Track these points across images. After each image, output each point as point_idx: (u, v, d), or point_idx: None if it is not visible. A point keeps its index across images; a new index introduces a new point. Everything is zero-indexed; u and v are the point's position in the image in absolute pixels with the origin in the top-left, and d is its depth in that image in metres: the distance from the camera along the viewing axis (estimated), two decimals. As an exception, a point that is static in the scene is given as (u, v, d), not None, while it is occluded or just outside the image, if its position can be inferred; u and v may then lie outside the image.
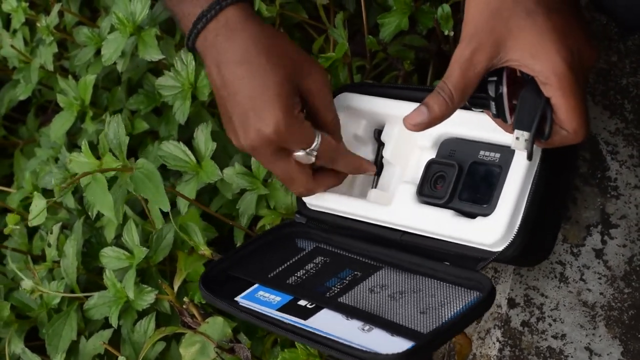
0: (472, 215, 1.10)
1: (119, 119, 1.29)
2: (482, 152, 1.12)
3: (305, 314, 1.08)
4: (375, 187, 1.21)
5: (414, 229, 1.14)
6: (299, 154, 1.15)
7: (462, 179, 1.12)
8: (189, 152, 1.30)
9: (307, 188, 1.18)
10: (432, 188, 1.14)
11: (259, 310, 1.11)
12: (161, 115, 1.45)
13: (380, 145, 1.21)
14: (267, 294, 1.13)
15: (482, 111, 1.08)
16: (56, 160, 1.48)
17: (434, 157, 1.15)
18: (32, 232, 1.48)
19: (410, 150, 1.19)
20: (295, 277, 1.16)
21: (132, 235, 1.31)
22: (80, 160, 1.29)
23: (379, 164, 1.22)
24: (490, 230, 1.07)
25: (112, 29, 1.41)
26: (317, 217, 1.23)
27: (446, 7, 1.31)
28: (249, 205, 1.31)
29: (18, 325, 1.38)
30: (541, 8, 0.98)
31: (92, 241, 1.41)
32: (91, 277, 1.39)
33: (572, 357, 1.16)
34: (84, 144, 1.28)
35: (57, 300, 1.35)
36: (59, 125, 1.47)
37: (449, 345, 1.25)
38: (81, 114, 1.46)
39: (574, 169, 1.18)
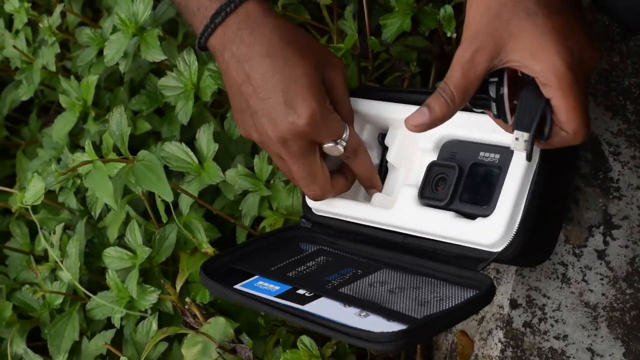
0: (473, 217, 1.10)
1: (121, 110, 1.28)
2: (482, 154, 1.12)
3: (303, 300, 1.08)
4: (381, 191, 1.22)
5: (416, 232, 1.14)
6: (329, 145, 1.15)
7: (462, 181, 1.12)
8: (191, 153, 1.30)
9: (323, 189, 1.18)
10: (433, 190, 1.14)
11: (256, 294, 1.11)
12: (163, 116, 1.46)
13: (385, 149, 1.21)
14: (266, 284, 1.13)
15: (483, 112, 1.08)
16: (58, 160, 1.48)
17: (435, 159, 1.16)
18: (34, 232, 1.48)
19: (413, 153, 1.19)
20: (296, 272, 1.16)
21: (135, 235, 1.31)
22: (86, 167, 1.28)
23: (383, 168, 1.22)
24: (490, 231, 1.07)
25: (115, 29, 1.42)
26: (323, 222, 1.23)
27: (448, 8, 1.31)
28: (251, 207, 1.31)
29: (20, 326, 1.38)
30: (542, 9, 0.98)
31: (94, 241, 1.42)
32: (94, 277, 1.40)
33: (574, 358, 1.17)
34: (87, 144, 1.28)
35: (60, 301, 1.35)
36: (61, 126, 1.47)
37: (450, 346, 1.25)
38: (83, 115, 1.47)
39: (574, 169, 1.18)
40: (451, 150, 1.15)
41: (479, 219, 1.09)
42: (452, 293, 1.06)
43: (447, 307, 1.05)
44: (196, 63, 1.35)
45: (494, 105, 1.02)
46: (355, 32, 1.33)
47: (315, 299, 1.08)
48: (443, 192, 1.13)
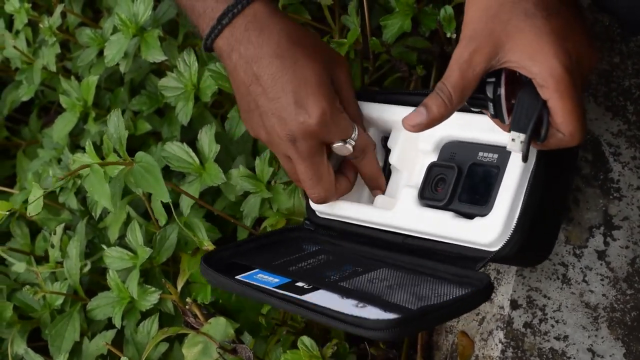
0: (471, 216, 1.10)
1: (119, 113, 1.28)
2: (481, 154, 1.12)
3: (302, 291, 1.08)
4: (384, 193, 1.22)
5: (416, 232, 1.14)
6: (338, 144, 1.15)
7: (461, 181, 1.12)
8: (193, 154, 1.30)
9: (328, 190, 1.18)
10: (433, 191, 1.14)
11: (256, 284, 1.11)
12: (164, 117, 1.46)
13: (388, 151, 1.22)
14: (265, 276, 1.13)
15: (480, 111, 1.08)
16: (59, 161, 1.48)
17: (435, 160, 1.16)
18: (34, 232, 1.48)
19: (415, 155, 1.19)
20: (297, 267, 1.16)
21: (135, 236, 1.31)
22: (84, 161, 1.29)
23: (386, 171, 1.22)
24: (487, 230, 1.07)
25: (115, 30, 1.42)
26: (326, 225, 1.23)
27: (449, 9, 1.31)
28: (252, 208, 1.31)
29: (21, 326, 1.38)
30: (540, 10, 0.98)
31: (95, 242, 1.42)
32: (94, 277, 1.40)
33: (574, 358, 1.17)
34: (88, 144, 1.28)
35: (60, 301, 1.35)
36: (62, 126, 1.47)
37: (451, 346, 1.25)
38: (84, 115, 1.47)
39: (573, 169, 1.18)
40: (451, 151, 1.15)
41: (477, 219, 1.09)
42: (450, 290, 1.06)
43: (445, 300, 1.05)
44: (196, 64, 1.35)
45: (491, 105, 1.02)
46: (358, 27, 1.33)
47: (314, 290, 1.09)
48: (442, 193, 1.13)
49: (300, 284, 1.10)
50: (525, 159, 1.01)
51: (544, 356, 1.17)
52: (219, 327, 1.22)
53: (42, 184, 1.46)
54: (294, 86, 1.12)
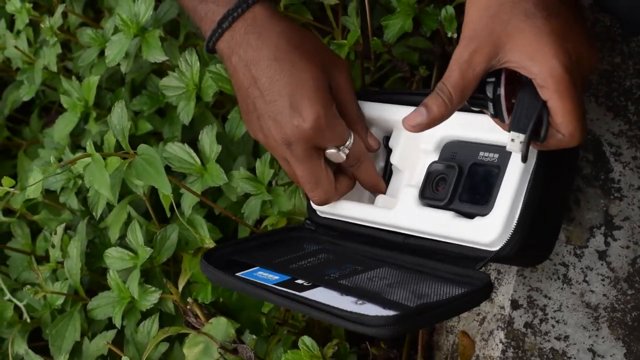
0: (472, 216, 1.10)
1: (122, 105, 1.28)
2: (481, 153, 1.12)
3: (302, 289, 1.08)
4: (385, 193, 1.22)
5: (416, 232, 1.14)
6: (332, 151, 1.15)
7: (462, 181, 1.13)
8: (194, 154, 1.30)
9: (327, 193, 1.18)
10: (433, 190, 1.15)
11: (256, 281, 1.11)
12: (165, 117, 1.46)
13: (390, 151, 1.22)
14: (265, 274, 1.13)
15: (481, 111, 1.08)
16: (60, 161, 1.48)
17: (436, 160, 1.16)
18: (35, 232, 1.48)
19: (416, 155, 1.19)
20: (297, 265, 1.16)
21: (136, 236, 1.31)
22: (85, 161, 1.28)
23: (388, 171, 1.22)
24: (487, 230, 1.07)
25: (116, 30, 1.42)
26: (327, 224, 1.23)
27: (450, 9, 1.31)
28: (253, 209, 1.31)
29: (21, 326, 1.38)
30: (540, 11, 0.98)
31: (95, 242, 1.42)
32: (95, 277, 1.40)
33: (575, 358, 1.17)
34: (88, 144, 1.28)
35: (61, 301, 1.35)
36: (63, 126, 1.47)
37: (451, 346, 1.25)
38: (85, 115, 1.47)
39: (574, 169, 1.18)
40: (452, 151, 1.15)
41: (477, 218, 1.09)
42: (450, 290, 1.07)
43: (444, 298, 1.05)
44: (198, 63, 1.35)
45: (491, 105, 1.02)
46: (358, 28, 1.33)
47: (314, 287, 1.09)
48: (443, 192, 1.13)
49: (300, 281, 1.10)
50: (524, 159, 1.01)
51: (545, 356, 1.17)
52: (220, 327, 1.21)
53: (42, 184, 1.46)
54: (291, 89, 1.12)
